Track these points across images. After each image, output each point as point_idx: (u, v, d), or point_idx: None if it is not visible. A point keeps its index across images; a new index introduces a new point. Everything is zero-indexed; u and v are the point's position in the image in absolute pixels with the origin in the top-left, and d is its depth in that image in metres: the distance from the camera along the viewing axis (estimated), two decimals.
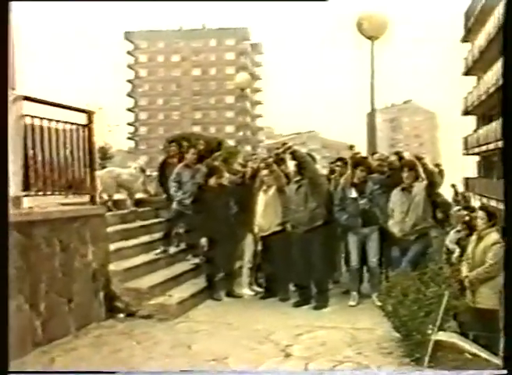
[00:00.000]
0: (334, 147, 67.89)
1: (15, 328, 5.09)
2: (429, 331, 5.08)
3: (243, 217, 7.83)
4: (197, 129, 62.30)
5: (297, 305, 7.23)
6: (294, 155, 7.26)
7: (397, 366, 4.97)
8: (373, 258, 7.24)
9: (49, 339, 5.56)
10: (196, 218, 7.83)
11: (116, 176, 9.71)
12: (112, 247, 7.14)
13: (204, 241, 7.55)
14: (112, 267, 6.85)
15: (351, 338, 5.85)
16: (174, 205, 8.34)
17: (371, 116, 11.56)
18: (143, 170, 10.51)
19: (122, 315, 6.66)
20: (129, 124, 76.66)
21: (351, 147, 8.15)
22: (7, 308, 2.04)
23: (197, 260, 8.20)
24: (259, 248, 7.94)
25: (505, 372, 2.46)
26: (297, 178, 7.33)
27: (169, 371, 3.04)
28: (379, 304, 6.96)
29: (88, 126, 6.57)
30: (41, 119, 5.76)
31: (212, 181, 7.76)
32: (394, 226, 6.95)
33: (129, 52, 77.66)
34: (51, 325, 5.62)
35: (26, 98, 5.40)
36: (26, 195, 5.45)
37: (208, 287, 7.64)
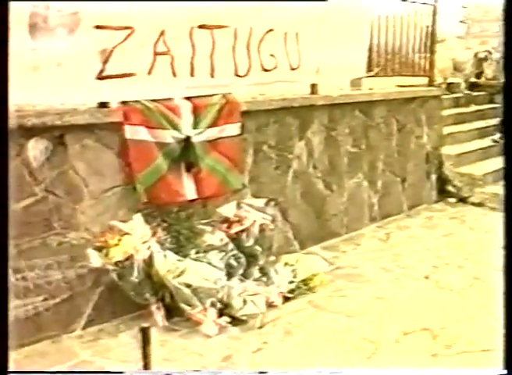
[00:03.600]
0: None
1: (355, 203, 5.23)
2: None
3: None
4: None
5: None
6: None
7: None
8: None
9: (383, 215, 5.56)
10: None
11: (452, 58, 8.95)
12: (446, 130, 6.64)
13: None
14: (445, 151, 6.42)
15: None
16: None
17: None
18: (477, 54, 9.51)
19: (453, 199, 6.27)
20: (463, 7, 70.85)
21: None
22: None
23: None
24: None
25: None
26: None
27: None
28: None
29: (433, 7, 6.00)
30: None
31: None
32: None
33: None
34: (385, 202, 5.58)
35: None
36: (367, 76, 5.28)
37: None
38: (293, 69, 4.30)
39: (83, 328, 3.30)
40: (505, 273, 2.21)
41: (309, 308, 3.62)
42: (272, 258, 3.95)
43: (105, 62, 3.16)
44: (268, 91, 4.31)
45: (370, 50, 5.28)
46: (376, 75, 5.51)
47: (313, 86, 4.64)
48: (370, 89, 5.42)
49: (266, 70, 4.10)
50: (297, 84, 4.48)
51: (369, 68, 5.32)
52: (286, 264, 3.93)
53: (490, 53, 9.08)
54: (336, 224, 5.03)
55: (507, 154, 2.35)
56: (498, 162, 6.76)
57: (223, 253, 3.59)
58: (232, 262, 3.62)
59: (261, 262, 3.77)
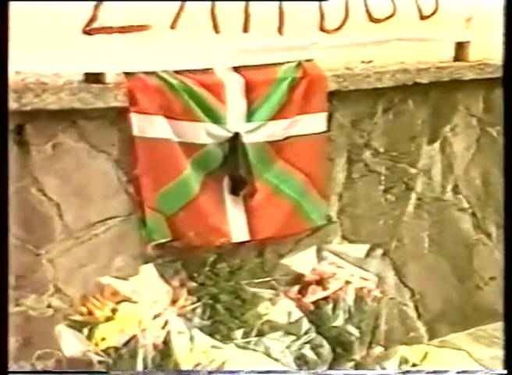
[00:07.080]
0: None
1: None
2: None
3: None
4: None
5: None
6: None
7: None
8: None
9: None
10: None
11: None
12: None
13: None
14: None
15: None
16: None
17: None
18: None
19: None
20: None
21: None
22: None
23: None
24: None
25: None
26: None
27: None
28: None
29: None
30: None
31: None
32: None
33: None
34: None
35: None
36: None
37: None
38: (423, 19, 4.14)
39: None
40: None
41: None
42: (379, 349, 3.78)
43: (98, 6, 3.11)
44: (378, 57, 4.16)
45: None
46: None
47: (459, 47, 4.45)
48: None
49: (374, 21, 3.97)
50: (431, 44, 4.33)
51: None
52: (404, 362, 3.72)
53: None
54: (496, 295, 4.73)
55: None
56: None
57: (292, 337, 3.46)
58: (308, 353, 3.48)
59: (359, 355, 3.62)
